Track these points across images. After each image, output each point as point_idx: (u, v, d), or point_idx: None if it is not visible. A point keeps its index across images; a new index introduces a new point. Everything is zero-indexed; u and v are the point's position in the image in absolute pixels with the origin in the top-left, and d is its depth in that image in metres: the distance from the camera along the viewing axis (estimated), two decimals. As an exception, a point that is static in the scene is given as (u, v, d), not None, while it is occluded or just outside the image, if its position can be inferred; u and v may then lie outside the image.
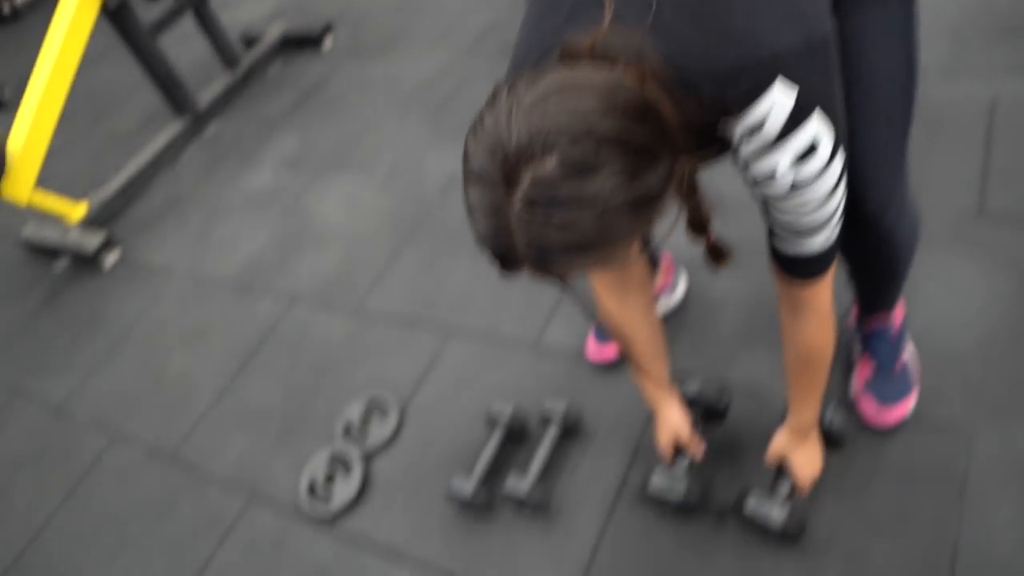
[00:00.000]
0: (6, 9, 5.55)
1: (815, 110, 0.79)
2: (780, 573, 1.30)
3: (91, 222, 2.75)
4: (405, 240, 2.24)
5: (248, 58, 3.35)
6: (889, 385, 1.43)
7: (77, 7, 2.59)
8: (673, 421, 1.38)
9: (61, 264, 2.73)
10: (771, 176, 0.83)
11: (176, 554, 1.70)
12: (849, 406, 1.46)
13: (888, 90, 1.06)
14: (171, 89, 3.03)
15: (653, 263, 1.68)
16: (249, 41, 3.55)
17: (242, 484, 1.78)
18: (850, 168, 0.97)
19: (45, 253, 2.78)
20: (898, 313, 1.47)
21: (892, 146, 1.12)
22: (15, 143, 2.48)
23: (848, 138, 0.90)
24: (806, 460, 1.29)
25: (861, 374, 1.47)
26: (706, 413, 1.46)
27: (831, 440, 1.36)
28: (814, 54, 0.80)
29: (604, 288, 1.24)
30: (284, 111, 3.06)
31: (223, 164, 2.91)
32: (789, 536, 1.28)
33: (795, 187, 0.83)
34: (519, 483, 1.45)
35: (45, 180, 2.66)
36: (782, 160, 0.81)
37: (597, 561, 1.41)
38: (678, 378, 1.45)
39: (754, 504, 1.29)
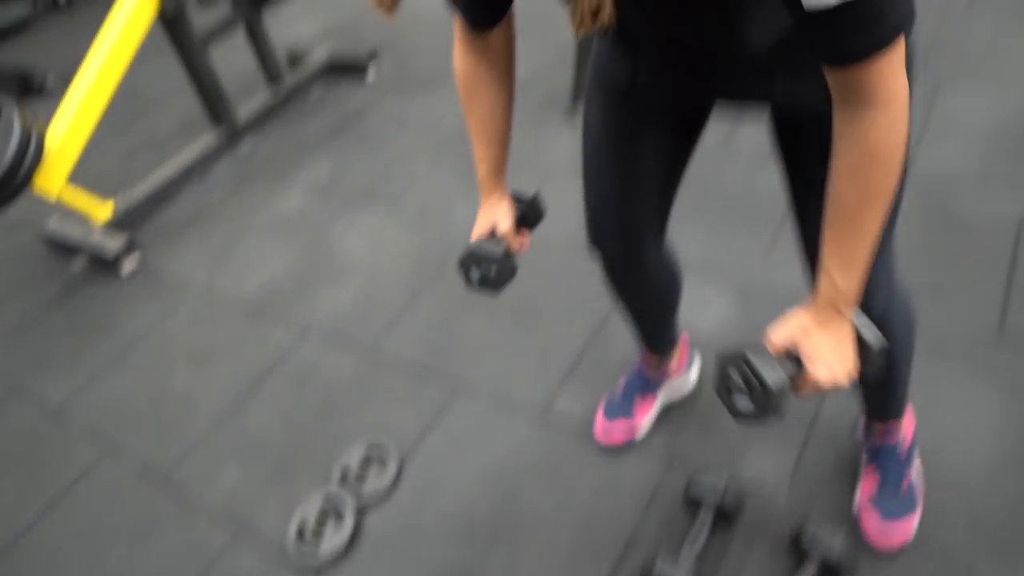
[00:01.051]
0: (61, -3, 5.64)
1: None
2: None
3: (115, 224, 2.76)
4: (425, 286, 2.23)
5: (292, 78, 3.38)
6: (894, 502, 1.41)
7: (135, 10, 2.63)
8: (496, 212, 1.23)
9: (79, 263, 2.73)
10: None
11: (154, 582, 1.67)
12: (851, 522, 1.43)
13: None
14: (213, 101, 3.05)
15: (672, 341, 1.67)
16: (294, 59, 3.58)
17: (230, 517, 1.75)
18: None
19: (65, 249, 2.79)
20: (908, 428, 1.45)
21: None
22: (54, 136, 2.49)
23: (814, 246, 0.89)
24: (829, 353, 0.90)
25: (865, 488, 1.45)
26: (717, 517, 1.44)
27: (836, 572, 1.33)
28: None
29: (463, 44, 1.13)
30: (320, 136, 3.08)
31: (253, 183, 2.92)
32: None
33: None
34: None
35: (75, 176, 2.67)
36: None
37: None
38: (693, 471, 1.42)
39: None
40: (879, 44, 0.72)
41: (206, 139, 3.08)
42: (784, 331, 0.92)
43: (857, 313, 0.93)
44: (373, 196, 2.67)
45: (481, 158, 1.21)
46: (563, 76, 2.96)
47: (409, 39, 3.67)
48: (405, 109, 3.11)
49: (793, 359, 0.90)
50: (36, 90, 3.88)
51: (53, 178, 2.50)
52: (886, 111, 0.77)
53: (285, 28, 3.92)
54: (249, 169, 3.01)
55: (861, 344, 0.93)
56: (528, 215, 1.26)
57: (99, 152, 3.27)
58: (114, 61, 2.60)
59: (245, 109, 3.21)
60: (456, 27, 1.10)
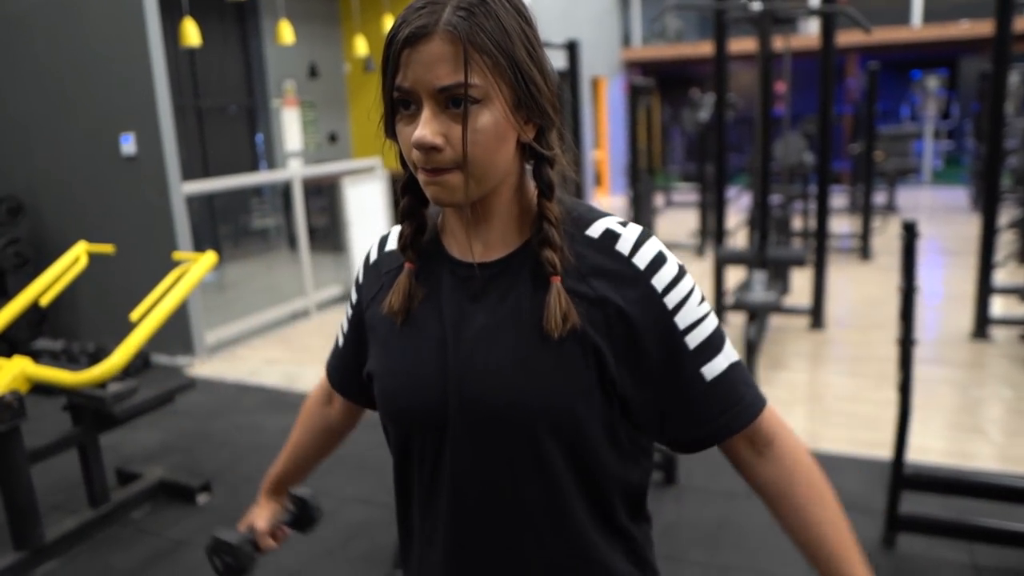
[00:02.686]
0: None
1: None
2: None
3: None
4: None
5: (117, 496, 3.32)
6: None
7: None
8: (262, 511, 1.32)
9: None
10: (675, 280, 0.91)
11: None
12: None
13: None
14: (21, 521, 2.92)
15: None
16: (124, 477, 3.55)
17: None
18: None
19: None
20: None
21: None
22: None
23: None
24: None
25: None
26: None
27: None
28: None
29: (321, 382, 1.28)
30: (132, 569, 2.95)
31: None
32: None
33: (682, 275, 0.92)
34: None
35: None
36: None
37: None
38: None
39: None
40: (762, 397, 0.95)
41: (2, 559, 2.89)
42: None
43: None
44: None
45: (279, 460, 1.34)
46: (390, 532, 3.08)
47: (248, 466, 3.76)
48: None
49: None
50: None
51: None
52: (790, 433, 0.96)
53: (122, 438, 3.94)
54: (40, 602, 2.80)
55: None
56: (300, 517, 1.35)
57: None
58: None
59: (55, 528, 3.07)
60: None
